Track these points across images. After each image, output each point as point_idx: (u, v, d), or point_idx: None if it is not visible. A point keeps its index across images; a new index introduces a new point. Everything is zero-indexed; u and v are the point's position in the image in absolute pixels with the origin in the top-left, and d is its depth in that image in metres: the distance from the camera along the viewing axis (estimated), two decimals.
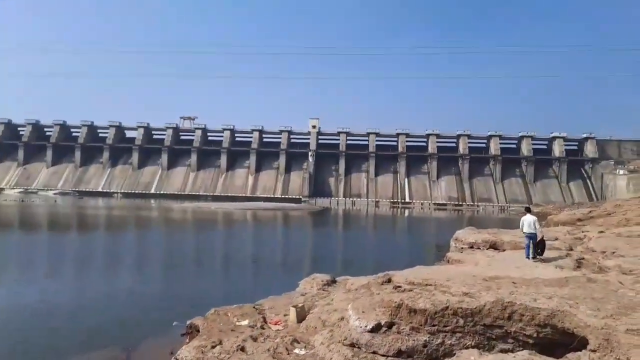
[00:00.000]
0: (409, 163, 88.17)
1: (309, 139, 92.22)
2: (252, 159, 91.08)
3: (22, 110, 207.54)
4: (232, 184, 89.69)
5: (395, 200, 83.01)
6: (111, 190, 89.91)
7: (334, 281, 12.22)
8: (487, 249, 14.04)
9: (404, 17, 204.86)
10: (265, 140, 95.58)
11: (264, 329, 8.81)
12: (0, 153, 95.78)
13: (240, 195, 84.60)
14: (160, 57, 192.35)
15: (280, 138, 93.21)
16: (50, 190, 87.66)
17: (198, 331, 8.93)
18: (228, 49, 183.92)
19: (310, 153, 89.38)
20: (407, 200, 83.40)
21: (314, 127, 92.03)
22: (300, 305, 9.05)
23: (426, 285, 9.10)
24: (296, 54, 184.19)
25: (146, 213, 46.45)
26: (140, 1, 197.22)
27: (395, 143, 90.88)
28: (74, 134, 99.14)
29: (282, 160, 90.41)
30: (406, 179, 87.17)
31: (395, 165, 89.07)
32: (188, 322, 9.14)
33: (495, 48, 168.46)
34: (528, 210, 12.04)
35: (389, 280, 10.35)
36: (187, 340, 8.57)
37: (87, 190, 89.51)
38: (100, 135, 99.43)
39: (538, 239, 11.27)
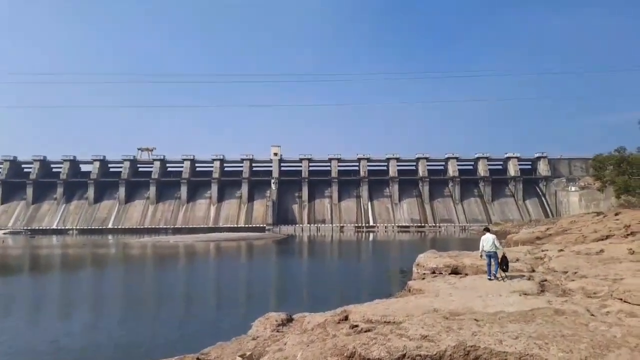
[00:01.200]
0: (371, 187, 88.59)
1: (271, 166, 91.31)
2: (214, 188, 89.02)
3: None
4: (193, 215, 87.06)
5: (360, 225, 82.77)
6: (66, 227, 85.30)
7: (290, 319, 11.18)
8: (448, 274, 13.46)
9: (364, 44, 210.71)
10: (226, 169, 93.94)
11: None
12: None
13: (203, 226, 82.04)
14: (115, 88, 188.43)
15: (242, 167, 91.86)
16: (0, 229, 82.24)
17: None
18: (186, 78, 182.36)
19: (272, 181, 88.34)
20: (371, 224, 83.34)
21: (275, 154, 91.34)
22: (247, 354, 8.00)
23: (385, 322, 8.30)
24: (255, 82, 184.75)
25: (101, 250, 43.75)
26: (88, 30, 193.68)
27: (357, 168, 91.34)
28: (25, 170, 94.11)
29: (245, 189, 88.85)
30: (369, 203, 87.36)
31: (357, 189, 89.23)
32: None
33: (450, 72, 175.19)
34: (487, 230, 12.21)
35: (346, 318, 9.48)
36: None
37: (41, 228, 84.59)
38: (54, 170, 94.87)
39: (500, 256, 11.40)
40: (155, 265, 31.42)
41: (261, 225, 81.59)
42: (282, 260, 34.08)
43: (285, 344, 8.87)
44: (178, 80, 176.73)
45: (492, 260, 11.39)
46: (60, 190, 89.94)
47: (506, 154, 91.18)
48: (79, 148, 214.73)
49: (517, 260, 14.27)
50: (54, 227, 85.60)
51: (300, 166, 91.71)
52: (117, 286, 20.36)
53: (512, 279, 10.81)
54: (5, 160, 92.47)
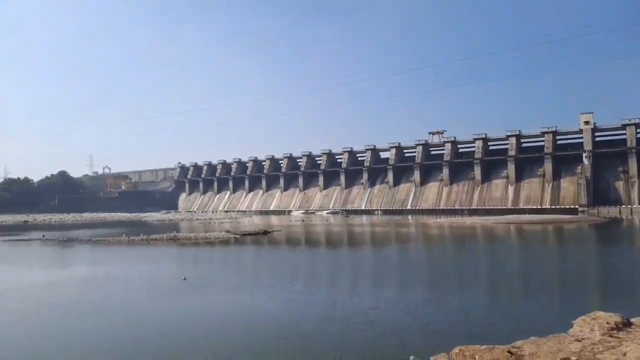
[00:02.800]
0: None
1: (580, 138, 79.05)
2: (510, 167, 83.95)
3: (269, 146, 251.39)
4: (489, 196, 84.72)
5: None
6: (372, 208, 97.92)
7: (627, 324, 9.03)
8: None
9: None
10: (523, 145, 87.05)
11: None
12: (286, 182, 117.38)
13: (500, 207, 78.82)
14: (405, 77, 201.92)
15: (542, 141, 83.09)
16: (324, 210, 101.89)
17: None
18: (473, 55, 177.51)
19: (584, 154, 76.18)
20: None
21: (586, 123, 78.36)
22: (573, 358, 6.80)
23: None
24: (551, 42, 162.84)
25: (402, 229, 47.89)
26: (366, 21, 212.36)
27: None
28: (338, 160, 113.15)
29: (548, 165, 79.98)
30: None
31: None
32: (431, 358, 8.07)
33: None
34: None
35: None
36: None
37: (352, 208, 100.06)
38: (359, 159, 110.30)
39: None
40: (454, 245, 31.89)
41: (572, 207, 71.92)
42: (605, 248, 28.75)
43: (624, 355, 7.15)
44: (459, 59, 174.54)
45: None
46: (365, 176, 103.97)
47: None
48: (378, 137, 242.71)
49: None
50: (362, 207, 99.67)
51: (623, 134, 75.74)
52: (420, 263, 21.55)
53: None
54: (323, 153, 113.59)
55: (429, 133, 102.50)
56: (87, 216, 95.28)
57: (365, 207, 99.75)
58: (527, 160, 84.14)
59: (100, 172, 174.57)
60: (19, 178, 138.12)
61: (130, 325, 10.29)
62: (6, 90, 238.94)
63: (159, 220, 74.58)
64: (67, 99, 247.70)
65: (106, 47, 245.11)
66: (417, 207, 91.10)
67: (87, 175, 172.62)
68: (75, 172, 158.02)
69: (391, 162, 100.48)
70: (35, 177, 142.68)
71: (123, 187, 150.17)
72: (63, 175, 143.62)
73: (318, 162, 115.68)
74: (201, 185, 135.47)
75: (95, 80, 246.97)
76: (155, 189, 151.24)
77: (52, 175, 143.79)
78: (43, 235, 38.27)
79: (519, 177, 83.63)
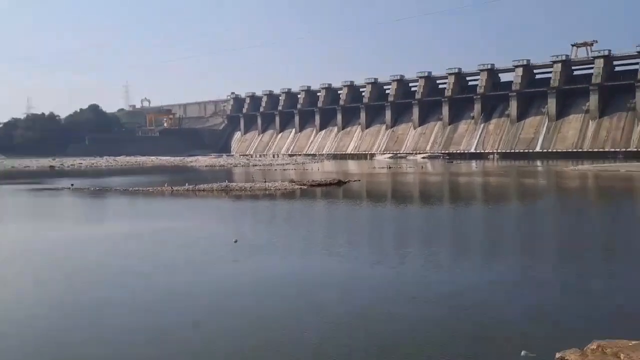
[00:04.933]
0: None
1: None
2: None
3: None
4: None
5: None
6: (485, 151, 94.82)
7: None
8: None
9: None
10: None
11: None
12: (369, 116, 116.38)
13: None
14: None
15: None
16: (419, 153, 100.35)
17: None
18: None
19: None
20: None
21: None
22: None
23: None
24: None
25: (525, 180, 46.07)
26: None
27: None
28: (440, 87, 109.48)
29: None
30: None
31: None
32: (558, 354, 7.79)
33: None
34: None
35: None
36: None
37: (458, 152, 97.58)
38: (469, 84, 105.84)
39: None
40: (601, 202, 30.28)
41: None
42: None
43: None
44: None
45: None
46: (477, 107, 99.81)
47: None
48: (497, 55, 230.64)
49: None
50: (472, 150, 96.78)
51: None
52: (549, 228, 20.70)
53: None
54: (420, 78, 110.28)
55: (572, 45, 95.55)
56: (123, 160, 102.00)
57: (475, 149, 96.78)
58: None
59: (138, 105, 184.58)
60: (43, 114, 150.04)
61: (157, 302, 10.92)
62: (29, 8, 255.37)
63: (207, 166, 78.00)
64: (99, 21, 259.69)
65: None
66: (549, 150, 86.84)
67: (122, 110, 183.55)
68: (109, 107, 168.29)
69: (515, 87, 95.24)
70: (63, 113, 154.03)
71: (165, 125, 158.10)
72: (95, 109, 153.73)
73: (412, 88, 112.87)
74: (259, 121, 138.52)
75: None
76: (204, 127, 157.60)
77: (81, 110, 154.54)
78: (72, 184, 41.60)
79: None
